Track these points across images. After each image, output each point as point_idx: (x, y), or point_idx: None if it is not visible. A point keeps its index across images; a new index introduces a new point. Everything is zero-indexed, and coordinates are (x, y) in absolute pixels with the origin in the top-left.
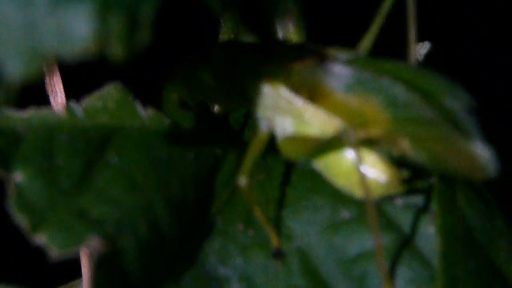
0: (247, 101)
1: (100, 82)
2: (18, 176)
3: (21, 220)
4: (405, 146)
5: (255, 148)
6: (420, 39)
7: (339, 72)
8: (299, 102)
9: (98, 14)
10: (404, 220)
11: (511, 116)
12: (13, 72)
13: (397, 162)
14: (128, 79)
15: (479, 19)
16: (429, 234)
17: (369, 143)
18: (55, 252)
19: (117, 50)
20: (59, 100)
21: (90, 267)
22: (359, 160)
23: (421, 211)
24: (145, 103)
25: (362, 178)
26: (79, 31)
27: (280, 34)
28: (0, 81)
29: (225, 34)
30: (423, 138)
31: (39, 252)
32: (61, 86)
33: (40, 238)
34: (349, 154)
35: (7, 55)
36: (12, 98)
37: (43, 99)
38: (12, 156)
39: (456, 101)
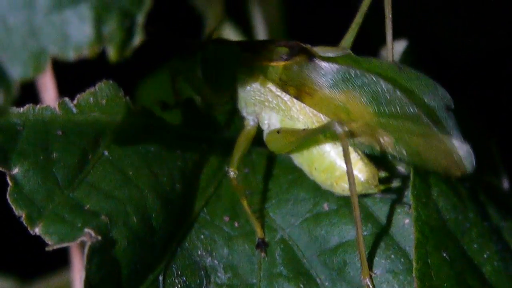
0: (235, 97)
1: (88, 75)
2: (16, 170)
3: (19, 213)
4: (387, 141)
5: (242, 142)
6: (398, 36)
7: (325, 70)
8: (286, 98)
9: (95, 19)
10: (382, 212)
11: (488, 111)
12: (14, 74)
13: (374, 161)
14: (114, 75)
15: (455, 17)
16: (405, 226)
17: (352, 141)
18: (51, 244)
19: (112, 52)
20: (51, 95)
21: (81, 256)
22: (345, 152)
23: (398, 204)
24: (133, 99)
25: (350, 168)
26: (77, 34)
27: (263, 32)
28: (2, 81)
29: (209, 31)
30: (405, 134)
31: (28, 240)
32: (52, 81)
33: (38, 230)
34: (331, 151)
35: (8, 58)
36: (13, 98)
37: (33, 93)
38: (10, 151)
39: (436, 99)
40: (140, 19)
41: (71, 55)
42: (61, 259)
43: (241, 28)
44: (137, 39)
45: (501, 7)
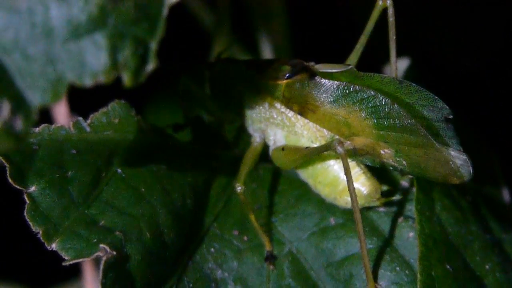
0: (241, 114)
1: (98, 92)
2: (33, 188)
3: (36, 230)
4: (388, 153)
5: (249, 158)
6: (400, 54)
7: (326, 86)
8: (290, 114)
9: (110, 47)
10: (387, 226)
11: (489, 124)
12: (33, 100)
13: (376, 175)
14: (124, 93)
15: (455, 33)
16: (409, 239)
17: (354, 154)
18: (68, 259)
19: (127, 78)
20: (62, 112)
21: (92, 267)
22: (346, 169)
23: (402, 218)
24: (144, 117)
25: (351, 184)
26: (93, 62)
27: (269, 51)
28: (22, 107)
29: (217, 50)
30: (404, 145)
31: (39, 250)
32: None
33: (55, 246)
34: (334, 165)
35: (28, 86)
36: (33, 124)
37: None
38: (27, 169)
39: (435, 112)
40: (154, 46)
41: (87, 82)
42: (71, 269)
43: (247, 47)
44: (151, 66)
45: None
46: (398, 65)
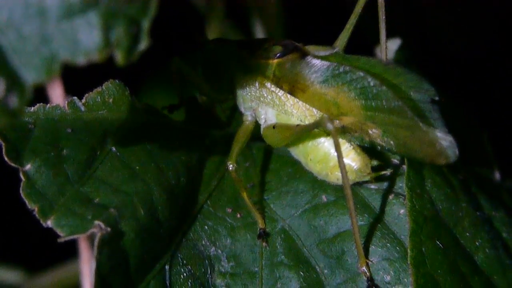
0: (233, 93)
1: (93, 72)
2: (28, 167)
3: (32, 207)
4: (376, 133)
5: (241, 136)
6: (392, 34)
7: (316, 67)
8: (280, 94)
9: (103, 26)
10: (378, 203)
11: (481, 106)
12: (28, 78)
13: (367, 151)
14: (118, 73)
15: (448, 13)
16: (400, 216)
17: (343, 133)
18: (63, 236)
19: (120, 57)
20: (57, 92)
21: (89, 247)
22: (337, 146)
23: (393, 195)
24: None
25: (341, 161)
26: (86, 41)
27: (262, 32)
28: (17, 85)
29: (210, 32)
30: (391, 126)
31: (35, 233)
32: (59, 79)
33: (50, 223)
34: (325, 142)
35: (22, 64)
36: (27, 101)
37: (40, 90)
38: (22, 148)
39: (421, 93)
40: (146, 25)
41: (81, 60)
42: (67, 252)
43: (241, 28)
44: (143, 44)
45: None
46: (390, 45)
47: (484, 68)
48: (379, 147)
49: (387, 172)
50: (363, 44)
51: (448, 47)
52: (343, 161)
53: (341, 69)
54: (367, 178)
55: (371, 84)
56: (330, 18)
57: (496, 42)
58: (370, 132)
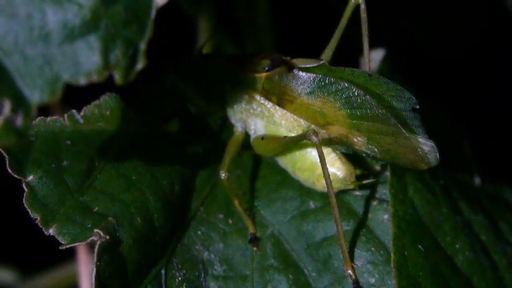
0: (224, 106)
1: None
2: (31, 178)
3: (34, 216)
4: (360, 141)
5: (232, 147)
6: (377, 44)
7: (303, 79)
8: (269, 105)
9: (102, 48)
10: (363, 209)
11: (462, 111)
12: (32, 99)
13: (351, 160)
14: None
15: (430, 19)
16: (384, 221)
17: (329, 142)
18: (65, 243)
19: (118, 77)
20: (56, 104)
21: (86, 250)
22: (321, 157)
23: (377, 201)
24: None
25: (326, 171)
26: (87, 62)
27: (253, 43)
28: (22, 105)
29: (202, 43)
30: (375, 133)
31: (34, 236)
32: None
33: (52, 231)
34: (312, 152)
35: (27, 85)
36: (32, 120)
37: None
38: (25, 160)
39: (403, 102)
40: (143, 46)
41: (82, 81)
42: (64, 254)
43: (232, 39)
44: (140, 65)
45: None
46: (374, 56)
47: (466, 74)
48: (364, 155)
49: (371, 180)
50: (349, 54)
51: (429, 54)
52: (327, 171)
53: (326, 81)
54: (351, 187)
55: (356, 93)
56: (317, 30)
57: (480, 44)
58: (355, 140)
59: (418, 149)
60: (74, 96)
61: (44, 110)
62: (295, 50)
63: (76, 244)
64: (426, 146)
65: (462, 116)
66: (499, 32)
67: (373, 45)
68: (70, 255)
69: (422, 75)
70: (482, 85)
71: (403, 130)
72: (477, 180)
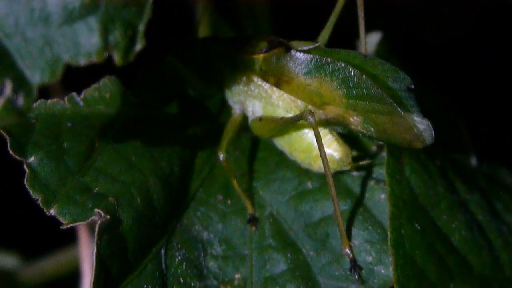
0: (223, 88)
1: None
2: (32, 159)
3: (36, 197)
4: (357, 121)
5: (230, 128)
6: (374, 27)
7: (300, 60)
8: (266, 87)
9: (102, 29)
10: (360, 189)
11: (459, 92)
12: (33, 79)
13: (348, 142)
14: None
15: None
16: (381, 201)
17: (326, 123)
18: (66, 223)
19: (118, 58)
20: (56, 86)
21: (88, 233)
22: (317, 137)
23: (374, 181)
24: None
25: (323, 152)
26: (86, 44)
27: (251, 27)
28: (23, 86)
29: (201, 27)
30: (371, 113)
31: (35, 218)
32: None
33: (53, 211)
34: (308, 133)
35: (28, 66)
36: (33, 100)
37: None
38: (26, 142)
39: (398, 82)
40: (141, 28)
41: (82, 62)
42: (62, 237)
43: (230, 24)
44: (139, 46)
45: None
46: (371, 39)
47: (463, 57)
48: (360, 134)
49: (367, 161)
50: (345, 38)
51: (427, 37)
52: (324, 151)
53: (323, 61)
54: (348, 168)
55: (352, 73)
56: (316, 14)
57: (476, 30)
58: (351, 119)
59: (414, 128)
60: (75, 80)
61: (45, 93)
62: (293, 34)
63: (76, 223)
64: (421, 124)
65: (458, 98)
66: (495, 17)
67: (370, 29)
68: (71, 239)
69: (418, 59)
70: (478, 69)
71: (399, 109)
72: (473, 161)
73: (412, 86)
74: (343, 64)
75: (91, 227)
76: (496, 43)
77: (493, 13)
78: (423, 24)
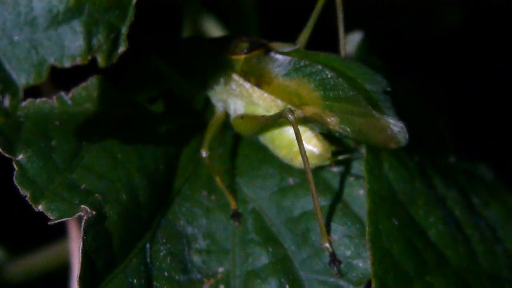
0: (206, 86)
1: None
2: (21, 157)
3: (24, 193)
4: (333, 121)
5: (213, 126)
6: (355, 27)
7: (279, 61)
8: (247, 86)
9: (86, 32)
10: (339, 184)
11: (440, 91)
12: (19, 81)
13: (328, 138)
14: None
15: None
16: (360, 196)
17: (305, 121)
18: (53, 219)
19: (101, 60)
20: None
21: (78, 227)
22: (298, 135)
23: (354, 177)
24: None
25: (302, 148)
26: (71, 46)
27: (237, 26)
28: (9, 87)
29: (186, 26)
30: (347, 114)
31: (25, 213)
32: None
33: (41, 207)
34: (289, 130)
35: (14, 68)
36: (19, 101)
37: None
38: (15, 140)
39: (374, 85)
40: (124, 30)
41: (67, 64)
42: (58, 229)
43: (216, 23)
44: (122, 48)
45: None
46: (352, 38)
47: (443, 55)
48: (337, 134)
49: (347, 156)
50: (328, 37)
51: (409, 30)
52: (303, 148)
53: (301, 63)
54: (328, 162)
55: (329, 76)
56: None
57: (457, 24)
58: (328, 120)
59: (388, 129)
60: (64, 79)
61: (35, 92)
62: (281, 32)
63: (63, 219)
64: (395, 126)
65: (439, 94)
66: (476, 12)
67: (351, 28)
68: (61, 233)
69: (399, 57)
70: (459, 65)
71: (373, 112)
72: (452, 158)
73: (389, 89)
74: (320, 67)
75: (80, 221)
76: (477, 38)
77: (475, 8)
78: (403, 21)
